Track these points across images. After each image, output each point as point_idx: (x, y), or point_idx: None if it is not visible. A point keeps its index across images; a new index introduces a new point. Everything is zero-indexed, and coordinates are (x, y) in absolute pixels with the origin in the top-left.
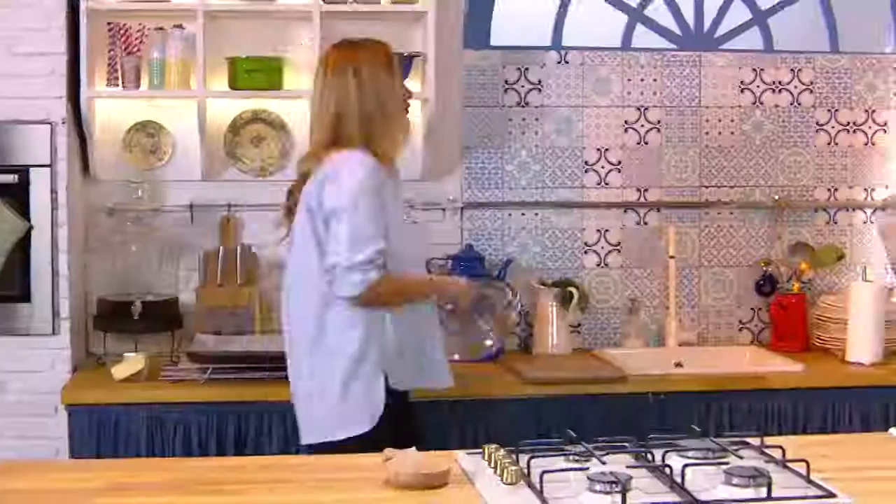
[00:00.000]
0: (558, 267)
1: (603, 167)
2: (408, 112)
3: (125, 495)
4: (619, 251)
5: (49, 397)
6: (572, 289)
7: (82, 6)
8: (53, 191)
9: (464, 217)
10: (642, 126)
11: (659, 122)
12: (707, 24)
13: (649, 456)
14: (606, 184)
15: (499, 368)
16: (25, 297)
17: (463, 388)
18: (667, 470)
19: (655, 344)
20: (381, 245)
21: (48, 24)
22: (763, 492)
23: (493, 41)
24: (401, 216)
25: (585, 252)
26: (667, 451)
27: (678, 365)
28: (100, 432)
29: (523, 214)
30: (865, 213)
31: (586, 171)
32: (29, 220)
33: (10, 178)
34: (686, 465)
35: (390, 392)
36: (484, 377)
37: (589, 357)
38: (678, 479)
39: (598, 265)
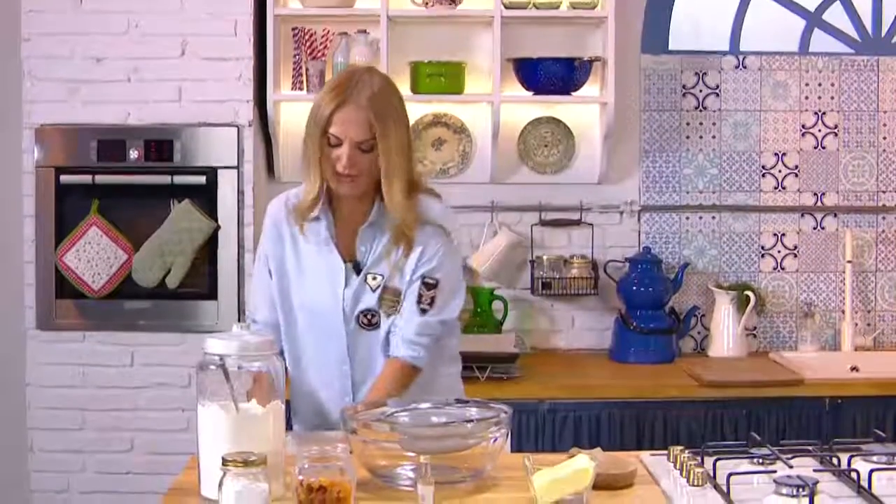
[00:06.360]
0: (735, 270)
1: (780, 171)
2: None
3: None
4: (795, 255)
5: None
6: (749, 292)
7: (269, 12)
8: (240, 192)
9: (641, 220)
10: (819, 130)
11: (836, 126)
12: (885, 28)
13: (834, 460)
14: (783, 188)
15: (675, 370)
16: (212, 294)
17: (639, 390)
18: (853, 475)
19: (831, 348)
20: (256, 315)
21: (236, 29)
22: None
23: (672, 46)
24: (315, 262)
25: (762, 256)
26: (852, 456)
27: (854, 369)
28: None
29: (700, 218)
30: None
31: (763, 176)
32: (216, 220)
33: (199, 180)
34: (873, 471)
35: None
36: (660, 379)
37: (765, 360)
38: (865, 485)
39: (775, 269)
